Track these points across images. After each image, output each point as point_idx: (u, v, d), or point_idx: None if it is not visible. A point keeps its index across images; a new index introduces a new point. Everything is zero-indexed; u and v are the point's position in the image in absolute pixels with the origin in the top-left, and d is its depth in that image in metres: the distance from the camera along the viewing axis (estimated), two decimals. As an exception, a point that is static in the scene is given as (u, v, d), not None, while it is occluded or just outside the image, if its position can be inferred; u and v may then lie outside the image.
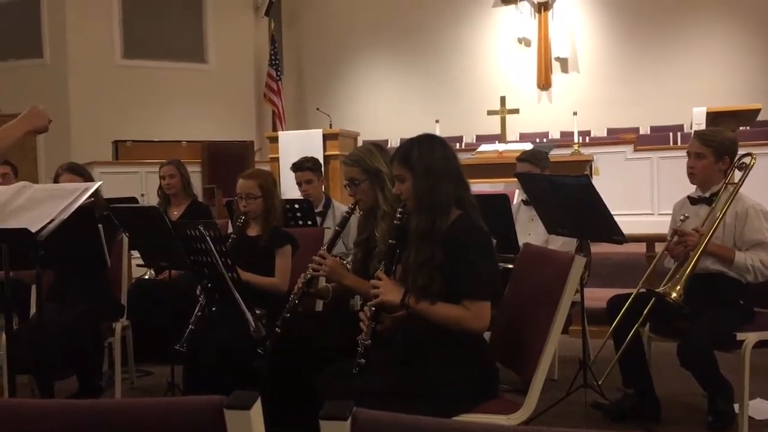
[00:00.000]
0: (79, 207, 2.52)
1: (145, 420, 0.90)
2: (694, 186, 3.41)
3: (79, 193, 2.52)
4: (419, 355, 2.32)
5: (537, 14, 11.01)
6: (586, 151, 7.47)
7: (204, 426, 0.87)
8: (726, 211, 3.15)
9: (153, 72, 10.94)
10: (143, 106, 10.66)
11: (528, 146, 6.58)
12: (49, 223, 2.42)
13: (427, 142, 2.33)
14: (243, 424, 0.86)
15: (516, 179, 4.13)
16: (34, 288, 3.66)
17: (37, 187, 2.64)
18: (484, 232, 2.29)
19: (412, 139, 2.37)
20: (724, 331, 3.09)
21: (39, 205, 2.50)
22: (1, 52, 10.93)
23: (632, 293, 3.32)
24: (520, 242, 3.63)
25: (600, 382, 3.32)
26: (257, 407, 0.87)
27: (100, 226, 3.43)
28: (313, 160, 4.73)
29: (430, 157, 2.28)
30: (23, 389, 3.71)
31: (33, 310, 3.71)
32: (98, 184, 2.79)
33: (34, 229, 2.38)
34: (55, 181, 3.98)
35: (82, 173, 4.05)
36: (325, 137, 7.18)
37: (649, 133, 10.03)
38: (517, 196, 4.93)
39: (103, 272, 3.74)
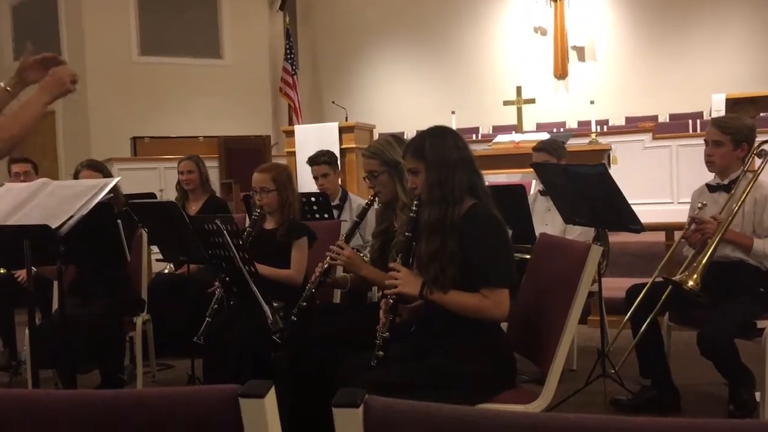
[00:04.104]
0: (99, 203, 2.55)
1: (162, 409, 0.91)
2: (713, 173, 3.38)
3: (98, 189, 2.55)
4: (437, 346, 2.32)
5: (553, 3, 10.92)
6: (604, 140, 7.43)
7: (220, 415, 0.89)
8: (745, 198, 3.12)
9: (169, 68, 11.02)
10: (160, 102, 10.74)
11: (545, 136, 6.54)
12: (69, 219, 2.45)
13: (439, 134, 2.34)
14: (257, 412, 0.87)
15: (532, 170, 4.12)
16: (55, 284, 3.72)
17: (57, 183, 2.67)
18: (499, 220, 2.29)
19: (423, 132, 2.38)
20: (745, 319, 3.06)
21: (59, 202, 2.53)
22: (19, 52, 11.05)
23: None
24: (537, 233, 3.61)
25: (616, 369, 3.31)
26: (271, 396, 0.88)
27: (119, 221, 3.47)
28: (328, 154, 4.75)
29: (443, 148, 2.28)
30: (47, 383, 3.77)
31: (55, 305, 3.76)
32: (117, 179, 2.83)
33: (54, 226, 2.41)
34: (75, 177, 4.03)
35: (101, 169, 4.10)
36: (341, 130, 7.20)
37: (668, 121, 9.93)
38: (534, 186, 4.91)
39: (123, 267, 3.78)
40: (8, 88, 2.34)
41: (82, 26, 10.65)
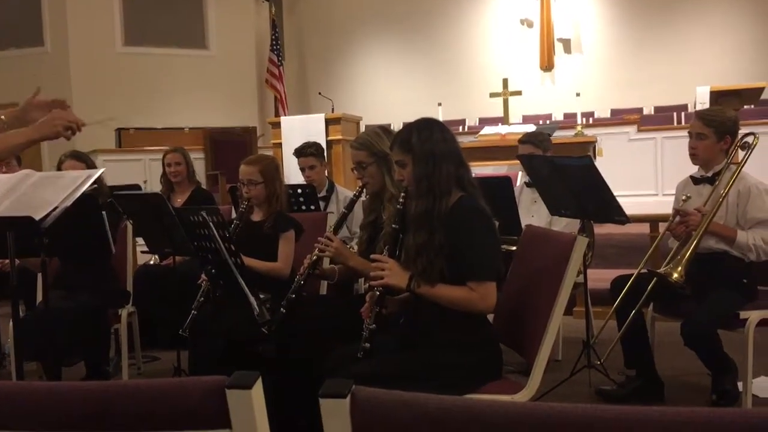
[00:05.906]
0: (83, 194, 2.53)
1: (149, 401, 0.91)
2: (698, 166, 3.41)
3: (82, 180, 2.53)
4: (423, 337, 2.33)
5: (539, -5, 10.94)
6: (590, 133, 7.46)
7: (207, 406, 0.88)
8: (728, 190, 3.14)
9: (154, 59, 10.92)
10: (145, 93, 10.65)
11: (531, 128, 6.56)
12: (52, 210, 2.43)
13: (425, 127, 2.33)
14: (244, 403, 0.87)
15: (518, 161, 4.13)
16: (40, 276, 3.69)
17: (41, 174, 2.65)
18: (486, 213, 2.29)
19: (410, 124, 2.37)
20: (728, 310, 3.09)
21: (42, 193, 2.51)
22: (1, 41, 10.92)
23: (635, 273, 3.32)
24: (523, 224, 3.62)
25: (602, 361, 3.34)
26: (258, 387, 0.88)
27: (103, 213, 3.45)
28: (315, 146, 4.73)
29: (430, 140, 2.28)
30: (31, 376, 3.74)
31: (39, 297, 3.74)
32: (101, 171, 2.81)
33: (38, 217, 2.39)
34: (59, 168, 3.99)
35: (85, 160, 4.06)
36: (328, 122, 7.17)
37: (653, 113, 9.99)
38: (520, 178, 4.92)
39: (108, 259, 3.76)
40: (2, 117, 2.37)
41: (65, 16, 10.53)
